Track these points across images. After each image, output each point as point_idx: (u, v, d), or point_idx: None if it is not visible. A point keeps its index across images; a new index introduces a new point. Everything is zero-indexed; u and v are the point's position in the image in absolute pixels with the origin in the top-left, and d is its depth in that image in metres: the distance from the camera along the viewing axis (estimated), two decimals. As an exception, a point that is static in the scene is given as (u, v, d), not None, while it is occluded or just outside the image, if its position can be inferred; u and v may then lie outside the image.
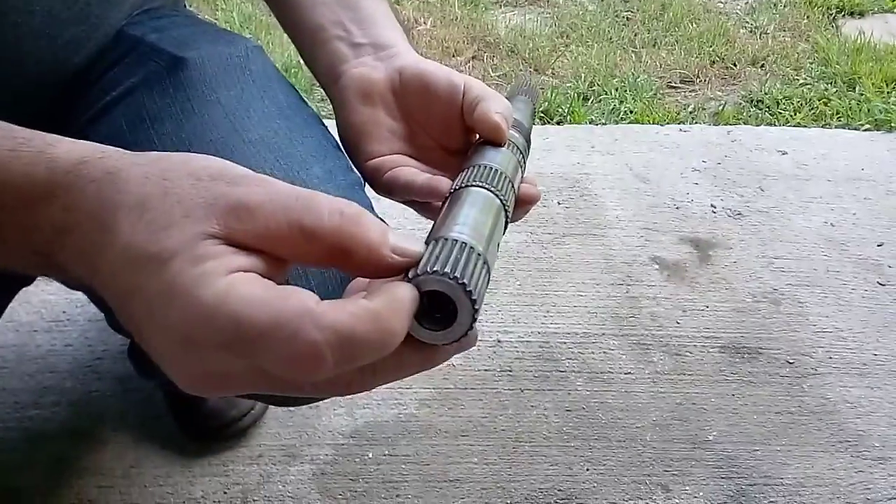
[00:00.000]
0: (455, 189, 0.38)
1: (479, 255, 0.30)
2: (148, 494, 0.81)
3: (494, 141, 0.43)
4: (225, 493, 0.82)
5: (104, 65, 0.51)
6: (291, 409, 0.91)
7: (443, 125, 0.46)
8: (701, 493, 0.85)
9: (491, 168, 0.40)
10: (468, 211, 0.34)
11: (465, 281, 0.28)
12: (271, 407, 0.90)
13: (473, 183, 0.37)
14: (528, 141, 0.49)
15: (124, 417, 0.87)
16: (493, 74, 1.82)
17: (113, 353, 0.93)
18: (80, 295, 0.99)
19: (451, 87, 0.45)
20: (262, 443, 0.87)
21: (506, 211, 0.38)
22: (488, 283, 0.31)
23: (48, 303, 0.99)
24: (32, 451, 0.84)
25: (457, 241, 0.30)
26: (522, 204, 0.42)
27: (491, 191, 0.37)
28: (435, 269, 0.28)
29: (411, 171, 0.45)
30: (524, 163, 0.45)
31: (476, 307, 0.29)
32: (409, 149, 0.47)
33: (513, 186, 0.40)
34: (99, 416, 0.88)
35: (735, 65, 1.85)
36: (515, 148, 0.44)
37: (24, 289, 0.65)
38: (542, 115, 1.58)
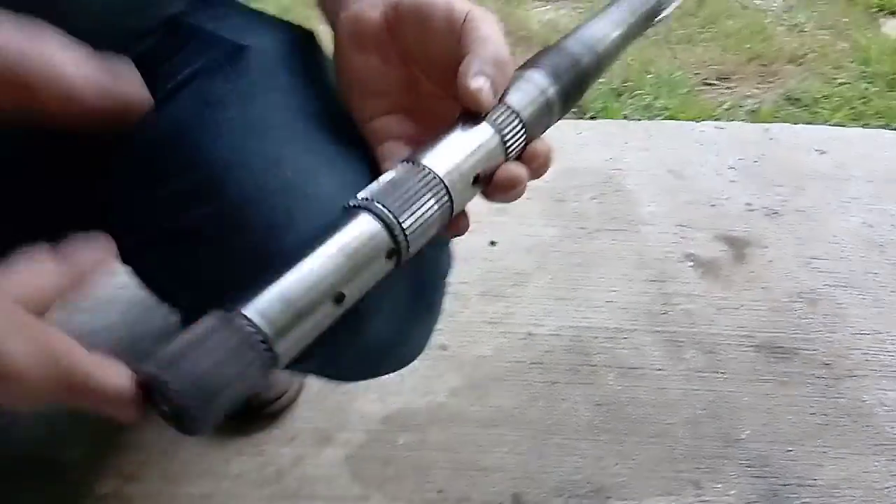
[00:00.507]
0: (349, 206, 0.31)
1: (248, 335, 0.26)
2: (185, 470, 0.83)
3: (472, 112, 0.34)
4: (259, 472, 0.83)
5: (164, 53, 0.52)
6: (324, 392, 0.92)
7: (446, 69, 0.37)
8: (732, 492, 0.85)
9: (421, 174, 0.32)
10: (310, 263, 0.28)
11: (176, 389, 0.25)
12: (304, 391, 0.91)
13: (376, 205, 0.30)
14: (555, 101, 0.37)
15: (163, 396, 0.89)
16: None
17: (152, 334, 0.95)
18: (122, 278, 1.01)
19: (449, 21, 0.36)
20: (295, 425, 0.88)
21: (402, 245, 0.30)
22: (266, 371, 0.27)
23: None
24: (76, 427, 0.86)
25: (230, 323, 0.27)
26: (496, 192, 0.35)
27: (384, 221, 0.30)
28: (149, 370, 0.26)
29: (396, 150, 0.38)
30: (516, 139, 0.35)
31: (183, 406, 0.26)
32: (412, 101, 0.40)
33: (451, 195, 0.32)
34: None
35: (773, 62, 1.83)
36: (505, 120, 0.35)
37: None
38: (574, 109, 1.58)
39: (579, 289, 1.09)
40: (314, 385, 0.92)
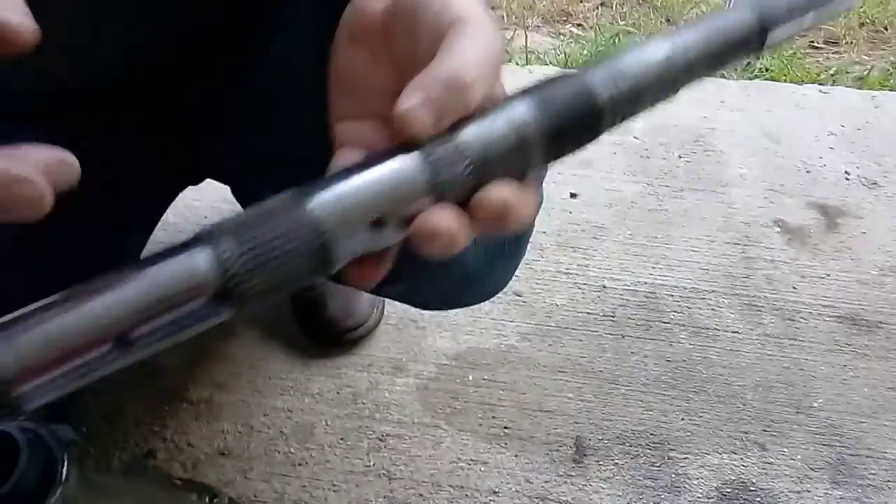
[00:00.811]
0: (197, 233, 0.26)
1: None
2: (271, 384, 0.89)
3: (407, 140, 0.28)
4: (337, 393, 0.89)
5: None
6: (399, 326, 0.96)
7: None
8: (798, 456, 0.85)
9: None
10: (103, 297, 0.23)
11: None
12: (382, 322, 0.96)
13: (221, 238, 0.24)
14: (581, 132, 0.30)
15: (254, 315, 0.96)
16: (620, 23, 1.77)
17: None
18: (220, 204, 1.08)
19: (437, 25, 0.30)
20: (372, 353, 0.93)
21: (238, 290, 0.24)
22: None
23: (192, 207, 1.08)
24: (174, 336, 0.94)
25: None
26: (413, 241, 0.28)
27: (219, 259, 0.24)
28: None
29: (348, 160, 0.31)
30: (454, 179, 0.28)
31: None
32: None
33: (326, 239, 0.26)
34: (231, 312, 0.97)
35: (886, 28, 1.72)
36: (442, 153, 0.28)
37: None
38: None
39: (658, 247, 1.09)
40: (391, 318, 0.97)
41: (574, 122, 0.30)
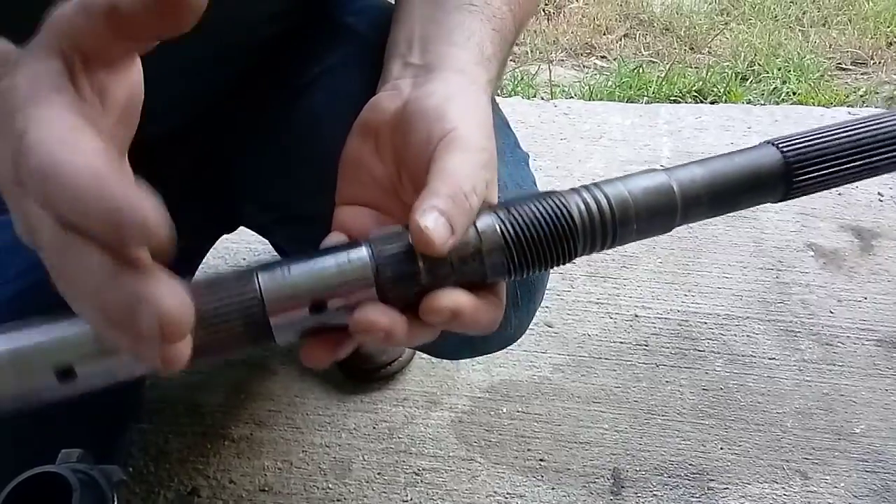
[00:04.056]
0: None
1: None
2: (309, 421, 0.91)
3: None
4: (374, 428, 0.90)
5: (306, 45, 0.56)
6: (433, 360, 0.97)
7: (420, 186, 0.32)
8: (842, 484, 0.83)
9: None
10: (58, 326, 0.25)
11: None
12: (416, 357, 0.97)
13: None
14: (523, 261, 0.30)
15: (291, 353, 0.98)
16: (644, 53, 1.79)
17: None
18: (257, 245, 1.11)
19: (429, 136, 0.32)
20: (407, 388, 0.95)
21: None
22: None
23: (230, 249, 1.12)
24: (215, 377, 0.97)
25: None
26: (353, 332, 0.28)
27: None
28: None
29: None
30: (394, 275, 0.28)
31: None
32: (392, 204, 0.36)
33: (266, 316, 0.27)
34: (270, 349, 1.00)
35: (918, 46, 1.71)
36: (387, 248, 0.29)
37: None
38: (695, 93, 1.54)
39: (689, 274, 1.09)
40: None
41: (537, 237, 0.30)
